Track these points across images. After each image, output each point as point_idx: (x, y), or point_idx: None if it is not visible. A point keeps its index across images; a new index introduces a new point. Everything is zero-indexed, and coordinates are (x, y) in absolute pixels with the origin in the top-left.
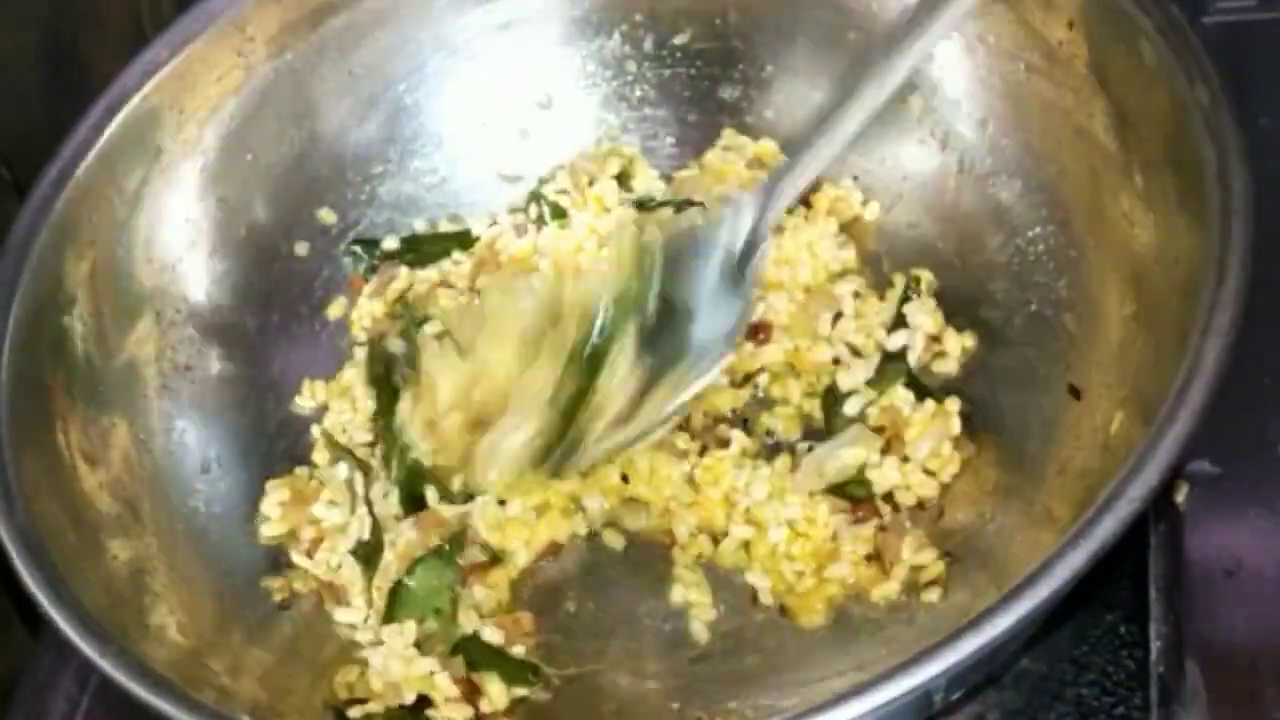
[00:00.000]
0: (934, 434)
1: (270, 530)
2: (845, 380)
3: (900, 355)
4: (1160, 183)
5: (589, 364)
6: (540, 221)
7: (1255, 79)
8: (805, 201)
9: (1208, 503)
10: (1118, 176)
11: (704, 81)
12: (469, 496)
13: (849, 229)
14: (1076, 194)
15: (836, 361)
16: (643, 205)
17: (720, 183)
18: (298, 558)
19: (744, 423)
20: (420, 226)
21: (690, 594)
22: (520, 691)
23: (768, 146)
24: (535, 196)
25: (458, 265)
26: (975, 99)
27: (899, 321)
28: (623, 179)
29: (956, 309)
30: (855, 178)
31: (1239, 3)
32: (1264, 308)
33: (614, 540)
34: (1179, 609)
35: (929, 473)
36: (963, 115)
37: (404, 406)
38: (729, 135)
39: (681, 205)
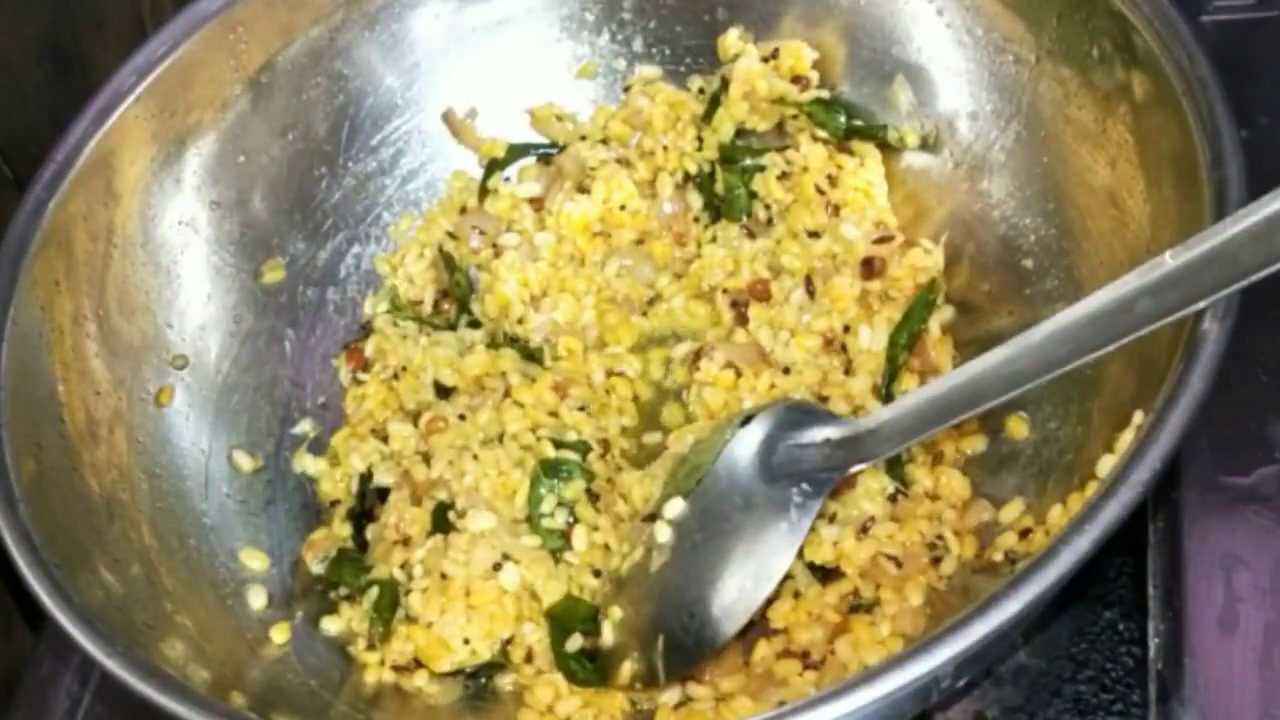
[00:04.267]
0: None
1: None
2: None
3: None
4: (1154, 172)
5: None
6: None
7: (1253, 77)
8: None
9: (1207, 501)
10: (1109, 167)
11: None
12: None
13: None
14: (1068, 185)
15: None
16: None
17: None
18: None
19: None
20: (408, 224)
21: None
22: None
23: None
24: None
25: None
26: (965, 91)
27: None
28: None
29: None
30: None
31: (1237, 1)
32: (1262, 307)
33: None
34: (1177, 606)
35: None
36: (953, 108)
37: None
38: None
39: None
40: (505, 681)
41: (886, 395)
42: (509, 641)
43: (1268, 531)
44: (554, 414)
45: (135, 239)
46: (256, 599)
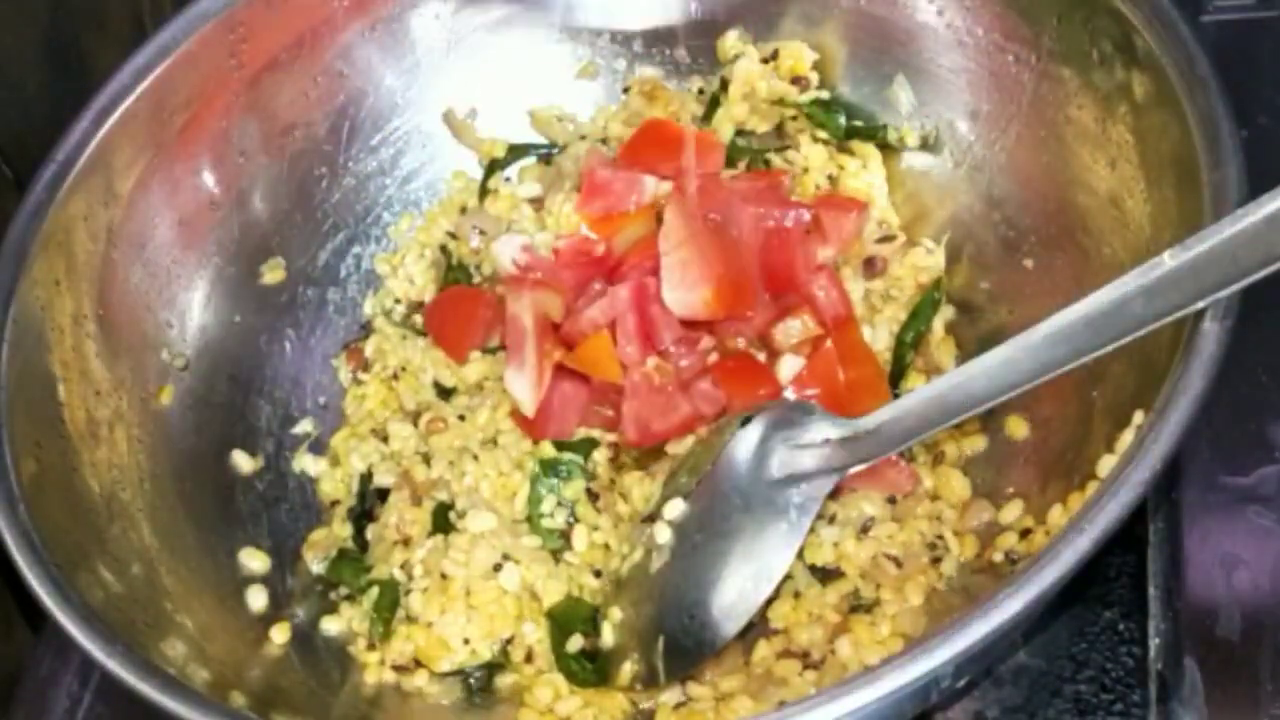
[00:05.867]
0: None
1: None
2: None
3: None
4: (1154, 172)
5: None
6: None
7: (1253, 77)
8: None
9: (1207, 501)
10: (1110, 167)
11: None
12: None
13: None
14: (1068, 185)
15: None
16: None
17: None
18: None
19: None
20: (408, 224)
21: None
22: None
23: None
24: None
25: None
26: (965, 91)
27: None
28: None
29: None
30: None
31: (1237, 1)
32: (1261, 307)
33: None
34: (1178, 606)
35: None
36: (953, 108)
37: None
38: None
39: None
40: (505, 681)
41: (894, 394)
42: (509, 641)
43: (1268, 531)
44: None
45: (135, 239)
46: (256, 599)
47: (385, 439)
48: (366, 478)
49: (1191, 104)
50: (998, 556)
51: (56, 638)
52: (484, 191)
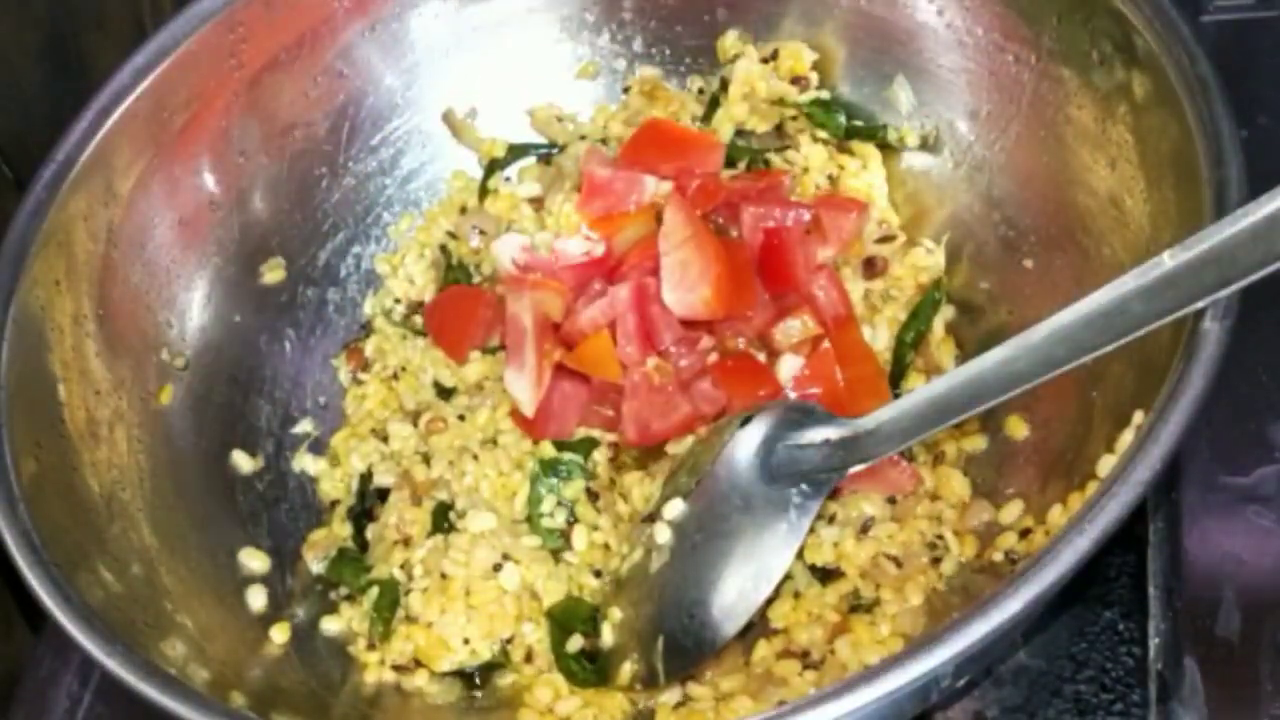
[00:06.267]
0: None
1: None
2: None
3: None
4: (1154, 172)
5: None
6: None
7: (1254, 77)
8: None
9: (1207, 501)
10: (1109, 167)
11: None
12: None
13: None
14: (1068, 185)
15: None
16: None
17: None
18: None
19: None
20: (408, 224)
21: None
22: None
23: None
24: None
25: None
26: (965, 91)
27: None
28: None
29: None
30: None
31: (1237, 1)
32: (1261, 307)
33: None
34: (1177, 606)
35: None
36: (953, 108)
37: None
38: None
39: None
40: (505, 681)
41: (894, 394)
42: (509, 641)
43: (1268, 531)
44: None
45: (135, 239)
46: (256, 599)
47: (385, 439)
48: (366, 478)
49: (1191, 104)
50: (998, 556)
51: (56, 638)
52: (484, 191)
